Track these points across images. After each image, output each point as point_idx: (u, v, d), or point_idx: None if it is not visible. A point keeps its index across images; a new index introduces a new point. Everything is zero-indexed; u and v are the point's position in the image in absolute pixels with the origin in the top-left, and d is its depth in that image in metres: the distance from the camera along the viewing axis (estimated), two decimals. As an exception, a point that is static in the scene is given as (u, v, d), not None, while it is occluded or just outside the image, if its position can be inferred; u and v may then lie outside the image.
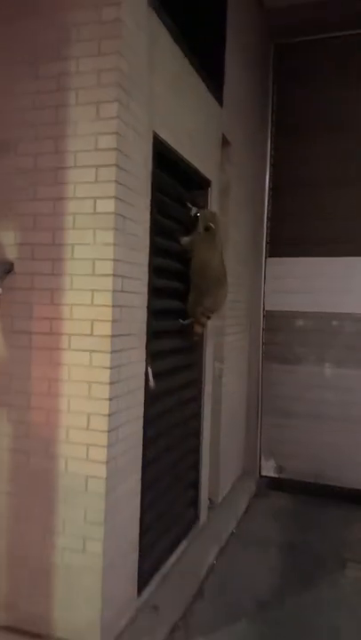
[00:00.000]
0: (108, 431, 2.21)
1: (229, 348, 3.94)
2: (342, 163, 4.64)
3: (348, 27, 4.67)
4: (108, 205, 2.18)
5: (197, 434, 3.44)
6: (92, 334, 2.21)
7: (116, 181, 2.20)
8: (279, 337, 4.73)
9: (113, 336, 2.21)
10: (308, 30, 4.72)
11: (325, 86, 4.73)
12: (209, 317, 2.99)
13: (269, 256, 4.81)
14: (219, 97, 3.44)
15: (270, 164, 4.98)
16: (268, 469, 5.02)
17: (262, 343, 4.83)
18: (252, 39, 4.31)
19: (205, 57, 3.05)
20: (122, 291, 2.27)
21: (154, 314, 2.50)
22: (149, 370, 2.55)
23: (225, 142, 3.60)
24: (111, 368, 2.20)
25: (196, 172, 2.99)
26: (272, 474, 4.99)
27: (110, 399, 2.21)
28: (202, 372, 3.44)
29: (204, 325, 2.96)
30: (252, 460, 4.98)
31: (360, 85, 4.61)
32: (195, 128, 3.03)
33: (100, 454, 2.17)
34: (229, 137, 3.70)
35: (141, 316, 2.40)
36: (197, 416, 3.42)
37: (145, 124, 2.40)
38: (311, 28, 4.68)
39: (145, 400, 2.52)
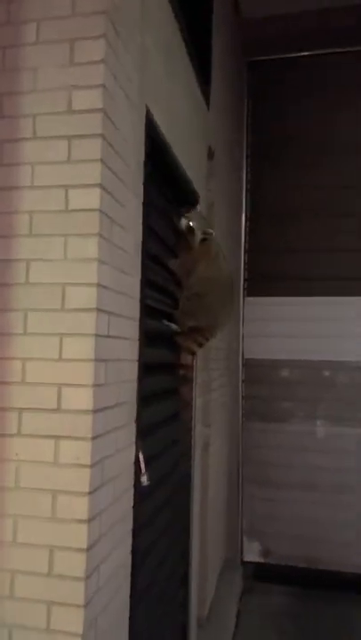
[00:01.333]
0: (86, 577, 1.28)
1: (215, 406, 3.39)
2: (327, 190, 4.30)
3: (328, 44, 4.37)
4: (90, 198, 1.44)
5: (186, 539, 2.60)
6: (59, 409, 1.40)
7: (102, 162, 1.45)
8: (261, 390, 4.34)
9: (95, 411, 1.36)
10: (283, 47, 4.42)
11: (303, 108, 4.43)
12: (201, 345, 2.44)
13: (248, 295, 4.44)
14: (206, 96, 3.04)
15: (247, 190, 4.55)
16: (253, 553, 4.33)
17: (242, 397, 4.40)
18: (228, 49, 3.91)
19: (194, 44, 2.59)
20: (108, 336, 1.50)
21: (146, 369, 1.85)
22: (141, 458, 1.67)
23: (209, 155, 3.22)
24: (92, 466, 1.32)
25: (186, 180, 2.48)
26: (257, 559, 4.31)
27: (90, 520, 1.30)
28: (191, 442, 2.78)
29: (194, 353, 2.45)
30: (234, 543, 4.25)
31: (341, 107, 4.34)
32: (186, 122, 2.51)
33: (73, 621, 1.23)
34: (214, 147, 3.30)
35: (131, 373, 1.72)
36: (186, 510, 2.65)
37: (136, 89, 1.73)
38: (287, 45, 4.40)
39: (134, 506, 1.63)
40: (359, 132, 4.32)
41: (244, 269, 4.46)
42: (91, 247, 1.44)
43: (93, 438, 1.40)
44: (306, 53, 4.46)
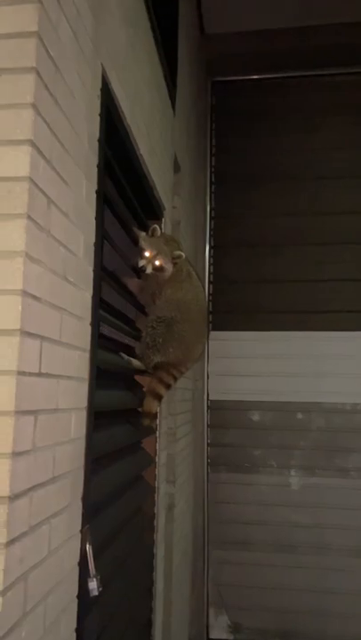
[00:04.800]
0: None
1: (180, 459, 3.08)
2: (297, 218, 4.09)
3: (299, 66, 4.19)
4: (14, 161, 1.01)
5: (148, 626, 2.05)
6: None
7: (34, 108, 1.03)
8: (229, 436, 3.99)
9: (13, 498, 0.81)
10: (249, 67, 4.25)
11: (267, 133, 4.26)
12: (169, 386, 2.11)
13: (213, 329, 4.11)
14: (172, 99, 2.81)
15: (211, 217, 4.30)
16: (220, 629, 3.81)
17: (207, 445, 4.00)
18: (193, 62, 3.75)
19: (161, 41, 2.37)
20: (39, 374, 1.05)
21: (98, 420, 1.46)
22: (90, 553, 1.13)
23: (176, 165, 3.00)
24: (3, 593, 0.74)
25: (150, 184, 2.21)
26: (225, 635, 3.80)
27: None
28: (155, 508, 2.38)
29: (160, 397, 2.09)
30: (199, 617, 3.67)
31: (311, 130, 4.17)
32: (151, 115, 2.23)
33: None
34: (180, 160, 3.08)
35: (76, 428, 1.28)
36: (147, 595, 2.27)
37: (90, 39, 1.37)
38: (253, 65, 4.24)
39: (79, 625, 1.10)
40: (332, 156, 4.14)
41: (209, 301, 4.14)
42: (13, 234, 0.95)
43: (8, 544, 0.83)
44: (270, 76, 4.29)
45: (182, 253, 2.02)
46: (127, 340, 2.06)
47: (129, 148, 1.84)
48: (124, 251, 1.94)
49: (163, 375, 2.03)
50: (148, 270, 1.92)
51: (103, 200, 1.50)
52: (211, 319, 4.13)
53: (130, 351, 1.99)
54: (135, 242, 2.03)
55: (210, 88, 4.39)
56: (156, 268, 1.93)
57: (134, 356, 1.98)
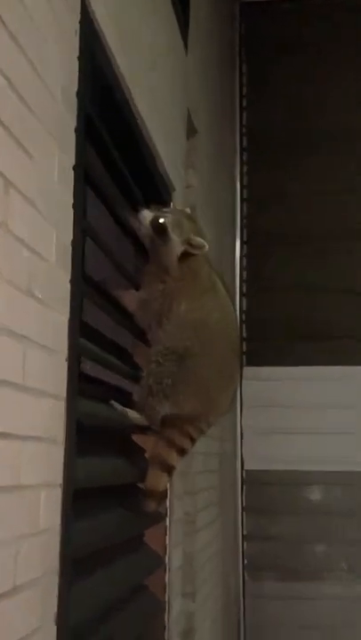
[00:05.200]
0: None
1: (203, 560, 3.20)
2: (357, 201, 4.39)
3: None
4: None
5: None
6: None
7: None
8: (276, 525, 4.20)
9: None
10: None
11: (323, 75, 4.50)
12: (183, 452, 2.19)
13: (247, 364, 4.33)
14: (183, 32, 2.94)
15: (242, 199, 4.54)
16: None
17: (243, 538, 4.21)
18: None
19: None
20: None
21: (79, 503, 1.53)
22: None
23: (190, 127, 3.12)
24: None
25: (152, 154, 2.33)
26: None
27: None
28: (164, 633, 2.49)
29: (170, 468, 2.16)
30: None
31: None
32: (152, 55, 2.35)
33: None
34: (195, 118, 3.20)
35: (46, 514, 1.35)
36: None
37: None
38: None
39: None
40: None
41: (242, 323, 4.33)
42: None
43: None
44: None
45: (205, 243, 2.09)
46: (121, 382, 2.13)
47: (121, 103, 1.93)
48: (116, 251, 2.02)
49: (174, 435, 2.10)
50: (144, 222, 2.00)
51: (85, 180, 1.56)
52: (244, 349, 4.27)
53: (126, 398, 2.06)
54: (132, 237, 2.12)
55: (238, 14, 4.60)
56: (155, 224, 2.00)
57: (132, 406, 2.05)
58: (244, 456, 4.17)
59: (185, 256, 2.07)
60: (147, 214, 2.04)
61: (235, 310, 2.63)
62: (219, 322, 2.20)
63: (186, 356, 2.07)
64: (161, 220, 2.01)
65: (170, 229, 2.03)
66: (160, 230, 2.01)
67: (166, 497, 2.38)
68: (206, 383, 2.12)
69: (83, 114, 1.55)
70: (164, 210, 2.13)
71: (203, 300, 2.14)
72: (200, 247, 2.06)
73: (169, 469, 2.13)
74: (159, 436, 2.12)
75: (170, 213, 2.10)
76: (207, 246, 2.11)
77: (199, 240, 2.07)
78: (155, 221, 2.02)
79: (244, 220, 4.45)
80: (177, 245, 2.04)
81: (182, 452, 2.14)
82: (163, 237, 2.03)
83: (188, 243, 2.05)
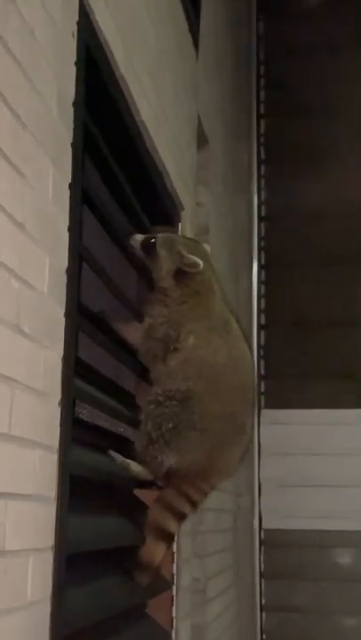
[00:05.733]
0: None
1: (215, 634, 3.19)
2: None
3: None
4: None
5: None
6: None
7: None
8: (299, 593, 4.19)
9: None
10: None
11: (348, 76, 4.58)
12: (187, 512, 2.22)
13: (266, 406, 4.35)
14: (194, 33, 3.04)
15: (260, 217, 4.58)
16: None
17: (261, 609, 4.17)
18: None
19: None
20: None
21: (73, 570, 1.55)
22: None
23: (201, 137, 3.21)
24: None
25: (157, 169, 2.40)
26: None
27: None
28: None
29: (170, 536, 2.19)
30: None
31: None
32: (158, 58, 2.41)
33: None
34: (206, 126, 3.29)
35: (39, 584, 1.38)
36: None
37: None
38: None
39: None
40: None
41: (259, 358, 4.35)
42: None
43: None
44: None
45: (199, 261, 2.16)
46: (122, 429, 2.16)
47: (123, 113, 1.96)
48: (117, 280, 2.07)
49: (171, 496, 2.13)
50: (135, 245, 2.13)
51: (82, 199, 1.60)
52: (262, 389, 4.31)
53: (127, 447, 2.07)
54: (134, 261, 2.19)
55: (255, 14, 4.69)
56: (145, 243, 2.12)
57: (133, 457, 2.06)
58: (262, 513, 4.16)
59: (182, 276, 2.14)
60: (138, 237, 2.16)
61: (250, 352, 2.64)
62: (229, 364, 2.24)
63: (188, 399, 2.10)
64: (152, 240, 2.13)
65: (158, 245, 2.13)
66: (148, 248, 2.12)
67: (160, 569, 2.33)
68: (212, 431, 2.14)
69: (80, 125, 1.60)
70: (155, 235, 2.23)
71: (211, 336, 2.19)
72: (193, 265, 2.13)
73: (166, 538, 2.14)
74: (158, 498, 2.15)
75: (165, 233, 2.20)
76: (202, 264, 2.18)
77: (192, 258, 2.13)
78: (146, 242, 2.13)
79: (263, 242, 4.47)
80: (165, 260, 2.13)
81: (181, 517, 2.16)
82: (151, 254, 2.13)
83: (182, 262, 2.13)
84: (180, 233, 2.71)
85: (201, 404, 2.12)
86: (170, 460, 2.10)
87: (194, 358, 2.15)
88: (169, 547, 2.23)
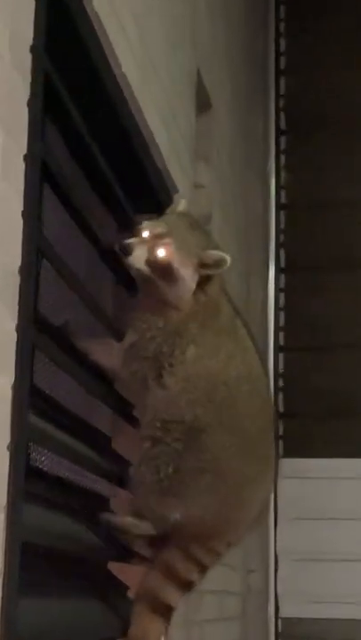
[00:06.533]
0: None
1: None
2: None
3: None
4: None
5: None
6: None
7: None
8: None
9: None
10: None
11: None
12: (186, 584, 2.27)
13: (285, 454, 4.48)
14: None
15: (278, 207, 4.70)
16: None
17: None
18: None
19: None
20: None
21: None
22: None
23: (201, 98, 3.26)
24: None
25: (142, 139, 2.45)
26: None
27: None
28: None
29: (169, 611, 2.25)
30: None
31: None
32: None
33: None
34: (209, 86, 3.36)
35: None
36: None
37: None
38: None
39: None
40: None
41: (276, 389, 4.45)
42: None
43: None
44: None
45: (225, 256, 2.18)
46: (91, 481, 2.20)
47: (98, 63, 1.98)
48: (88, 282, 2.12)
49: (174, 560, 2.18)
50: (137, 264, 2.10)
51: (42, 176, 1.63)
52: (281, 432, 4.41)
53: (100, 506, 2.13)
54: (111, 258, 2.25)
55: None
56: (154, 264, 2.10)
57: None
58: (279, 595, 4.23)
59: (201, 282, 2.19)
60: (139, 252, 2.10)
61: (265, 368, 2.69)
62: (242, 373, 2.29)
63: (198, 429, 2.14)
64: (161, 255, 2.09)
65: (177, 264, 2.11)
66: (165, 270, 2.10)
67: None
68: (228, 472, 2.17)
69: (40, 78, 1.60)
70: (154, 224, 2.19)
71: (219, 344, 2.25)
72: (220, 264, 2.17)
73: (165, 612, 2.18)
74: (153, 563, 2.20)
75: (168, 229, 2.17)
76: (229, 259, 2.21)
77: (216, 254, 2.18)
78: (153, 259, 2.09)
79: (282, 238, 4.54)
80: (190, 281, 2.15)
81: (186, 586, 2.20)
82: (170, 278, 2.13)
83: (202, 264, 2.15)
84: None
85: (213, 437, 2.16)
86: (175, 514, 2.16)
87: (198, 374, 2.19)
88: (167, 624, 2.26)
